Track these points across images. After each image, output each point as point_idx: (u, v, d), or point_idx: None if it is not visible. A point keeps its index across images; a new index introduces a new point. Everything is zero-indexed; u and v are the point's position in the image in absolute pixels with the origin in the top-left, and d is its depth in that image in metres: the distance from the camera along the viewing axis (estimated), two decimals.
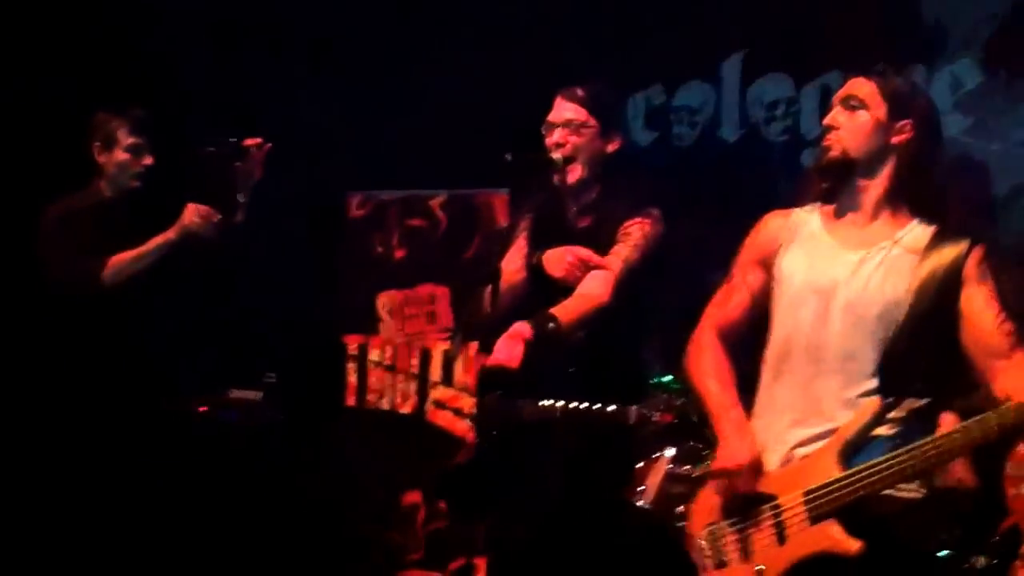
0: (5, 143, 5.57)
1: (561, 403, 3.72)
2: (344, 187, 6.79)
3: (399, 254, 6.65)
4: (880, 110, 3.11)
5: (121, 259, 4.65)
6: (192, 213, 4.63)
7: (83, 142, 4.83)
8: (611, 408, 3.61)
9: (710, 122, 5.73)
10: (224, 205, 4.69)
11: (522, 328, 3.62)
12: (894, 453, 2.85)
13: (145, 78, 5.84)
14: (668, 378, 4.85)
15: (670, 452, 4.99)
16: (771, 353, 3.15)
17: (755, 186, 5.51)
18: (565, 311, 3.68)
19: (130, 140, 4.75)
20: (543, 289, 3.83)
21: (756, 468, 3.04)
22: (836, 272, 3.05)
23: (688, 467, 4.87)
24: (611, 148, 3.93)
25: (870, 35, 5.14)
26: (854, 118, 3.12)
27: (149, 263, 4.68)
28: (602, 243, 3.83)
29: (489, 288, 3.70)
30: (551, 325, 3.63)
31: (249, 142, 4.66)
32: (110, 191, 4.81)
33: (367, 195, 6.75)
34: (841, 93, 3.18)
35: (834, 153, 3.11)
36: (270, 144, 4.68)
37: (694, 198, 5.42)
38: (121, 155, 4.75)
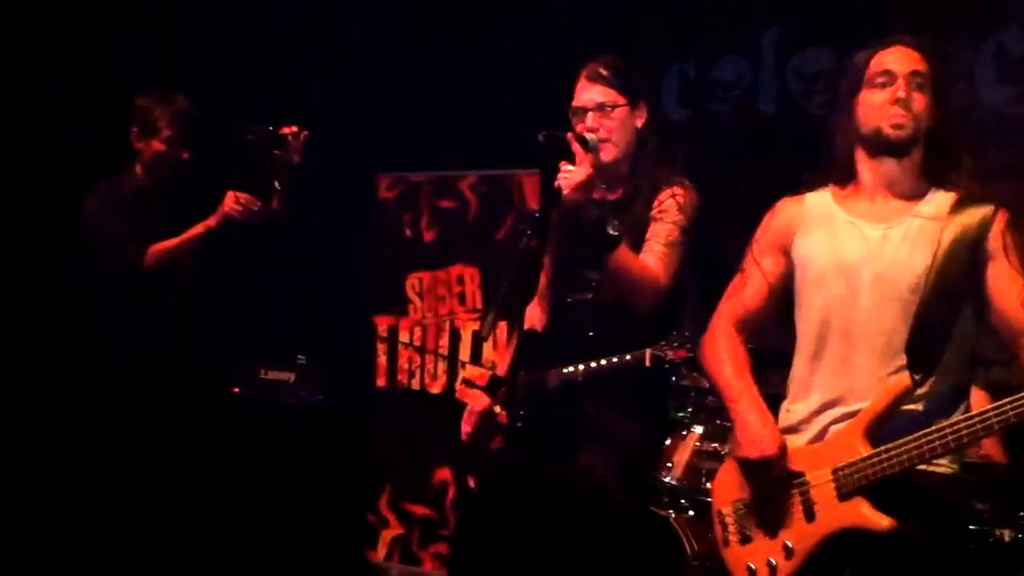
0: (53, 123, 5.59)
1: (582, 366, 3.73)
2: (374, 168, 6.81)
3: (429, 235, 6.66)
4: (932, 86, 3.06)
5: (164, 247, 4.67)
6: (232, 200, 4.63)
7: (123, 124, 4.85)
8: (627, 356, 3.61)
9: (747, 96, 5.69)
10: (263, 192, 4.70)
11: None
12: (925, 432, 2.82)
13: (182, 61, 5.88)
14: None
15: (699, 429, 5.02)
16: (802, 337, 3.11)
17: (794, 160, 5.51)
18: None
19: (169, 132, 4.76)
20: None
21: (782, 456, 3.00)
22: (859, 248, 3.02)
23: (716, 444, 4.92)
24: (640, 123, 3.92)
25: (912, 4, 5.09)
26: (921, 96, 3.04)
27: (190, 251, 4.70)
28: (635, 215, 3.82)
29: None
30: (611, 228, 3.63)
31: (285, 130, 4.67)
32: (146, 178, 4.82)
33: (397, 176, 6.77)
34: (904, 69, 3.06)
35: (908, 132, 3.04)
36: (307, 131, 4.68)
37: (732, 172, 5.43)
38: (159, 145, 4.76)
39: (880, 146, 3.06)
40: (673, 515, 4.81)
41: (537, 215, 3.77)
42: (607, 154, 3.84)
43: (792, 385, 3.13)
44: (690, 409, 5.04)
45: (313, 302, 6.41)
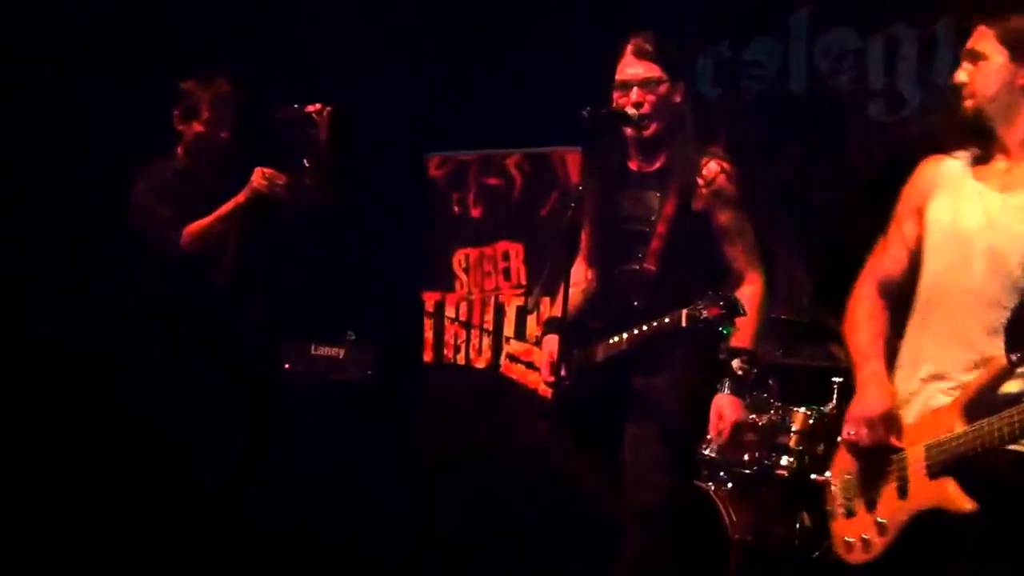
0: (95, 106, 5.67)
1: (625, 334, 3.80)
2: (424, 148, 6.89)
3: (476, 212, 6.75)
4: (1002, 56, 3.02)
5: (198, 226, 4.75)
6: (259, 176, 4.72)
7: (166, 107, 4.93)
8: (665, 320, 3.67)
9: (777, 76, 5.76)
10: (295, 168, 4.77)
11: None
12: (1012, 410, 2.79)
13: (227, 43, 5.95)
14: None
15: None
16: (918, 302, 3.09)
17: (823, 138, 5.56)
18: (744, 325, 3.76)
19: (208, 114, 4.84)
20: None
21: (888, 420, 3.01)
22: (977, 217, 2.99)
23: (754, 416, 4.95)
24: (678, 98, 3.97)
25: None
26: (979, 69, 3.04)
27: (224, 227, 4.78)
28: (673, 186, 3.87)
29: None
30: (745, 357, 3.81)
31: (310, 108, 4.74)
32: (188, 159, 4.91)
33: (446, 155, 6.85)
34: (964, 48, 3.09)
35: (968, 105, 3.04)
36: (331, 108, 4.75)
37: (765, 149, 5.48)
38: (199, 127, 4.84)
39: (961, 126, 3.10)
40: (713, 488, 4.86)
41: (580, 190, 3.85)
42: (649, 130, 3.90)
43: (902, 353, 3.12)
44: (727, 382, 5.08)
45: (364, 279, 6.48)
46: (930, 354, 3.01)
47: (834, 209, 5.55)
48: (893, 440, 3.00)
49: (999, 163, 3.03)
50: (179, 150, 4.90)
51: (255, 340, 5.00)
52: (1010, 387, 2.87)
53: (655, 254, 3.84)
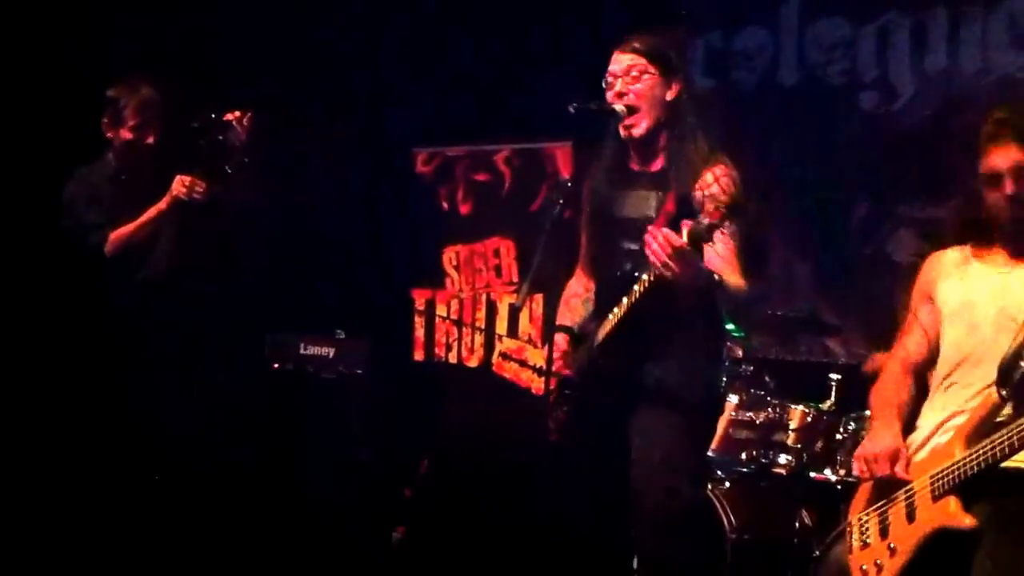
0: (23, 115, 5.68)
1: (615, 309, 3.74)
2: (411, 143, 6.84)
3: (465, 208, 6.71)
4: None
5: (122, 233, 4.81)
6: (179, 184, 4.79)
7: (96, 115, 4.94)
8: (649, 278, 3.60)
9: (769, 66, 5.73)
10: (218, 174, 4.80)
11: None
12: (1004, 431, 2.93)
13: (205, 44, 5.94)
14: (731, 326, 4.91)
15: (733, 399, 5.03)
16: (938, 369, 3.28)
17: (815, 128, 5.53)
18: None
19: (135, 120, 4.87)
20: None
21: (894, 456, 3.16)
22: (985, 287, 3.19)
23: (750, 414, 4.92)
24: (671, 95, 3.91)
25: None
26: None
27: (147, 233, 4.83)
28: (673, 187, 3.81)
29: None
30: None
31: (230, 116, 4.76)
32: (118, 164, 4.93)
33: (433, 151, 6.80)
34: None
35: None
36: (252, 113, 4.77)
37: (756, 141, 5.43)
38: (126, 133, 4.88)
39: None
40: (711, 486, 4.83)
41: (569, 185, 3.78)
42: (637, 125, 3.84)
43: (923, 412, 3.29)
44: (725, 379, 5.05)
45: (351, 277, 6.44)
46: (946, 404, 3.20)
47: (828, 201, 5.54)
48: (899, 473, 3.15)
49: (999, 248, 3.22)
50: (110, 155, 4.92)
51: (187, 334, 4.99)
52: (1005, 414, 3.02)
53: None
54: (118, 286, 4.84)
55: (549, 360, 3.81)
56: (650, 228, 3.46)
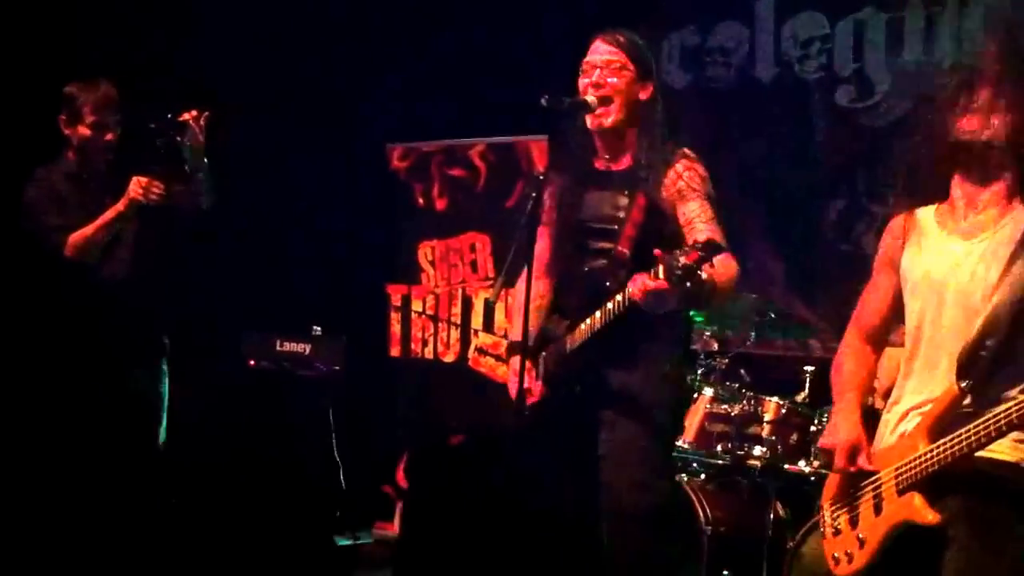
0: None
1: (588, 321, 3.73)
2: (385, 139, 6.83)
3: (440, 204, 6.70)
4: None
5: (81, 235, 4.75)
6: (136, 185, 4.75)
7: (54, 113, 4.90)
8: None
9: (745, 61, 5.74)
10: (175, 175, 4.77)
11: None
12: (971, 425, 2.91)
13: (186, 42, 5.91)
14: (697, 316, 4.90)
15: (708, 392, 5.04)
16: (905, 347, 3.22)
17: (791, 123, 5.53)
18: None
19: (93, 117, 4.82)
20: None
21: (852, 449, 3.14)
22: (945, 263, 3.11)
23: (725, 407, 4.93)
24: (644, 96, 3.91)
25: None
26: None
27: (105, 235, 4.78)
28: (641, 187, 3.80)
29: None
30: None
31: (186, 116, 4.73)
32: (77, 163, 4.89)
33: (408, 146, 6.79)
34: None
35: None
36: (208, 113, 4.74)
37: (732, 136, 5.43)
38: (84, 131, 4.83)
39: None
40: (686, 479, 4.83)
41: (542, 178, 3.76)
42: (608, 117, 3.83)
43: (894, 392, 3.24)
44: (700, 371, 5.06)
45: (327, 273, 6.42)
46: (913, 388, 3.15)
47: (803, 197, 5.55)
48: (862, 464, 3.14)
49: (960, 210, 3.14)
50: (69, 154, 4.88)
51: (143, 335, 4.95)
52: (966, 406, 3.01)
53: (628, 240, 3.77)
54: (74, 287, 4.80)
55: (522, 381, 3.77)
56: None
